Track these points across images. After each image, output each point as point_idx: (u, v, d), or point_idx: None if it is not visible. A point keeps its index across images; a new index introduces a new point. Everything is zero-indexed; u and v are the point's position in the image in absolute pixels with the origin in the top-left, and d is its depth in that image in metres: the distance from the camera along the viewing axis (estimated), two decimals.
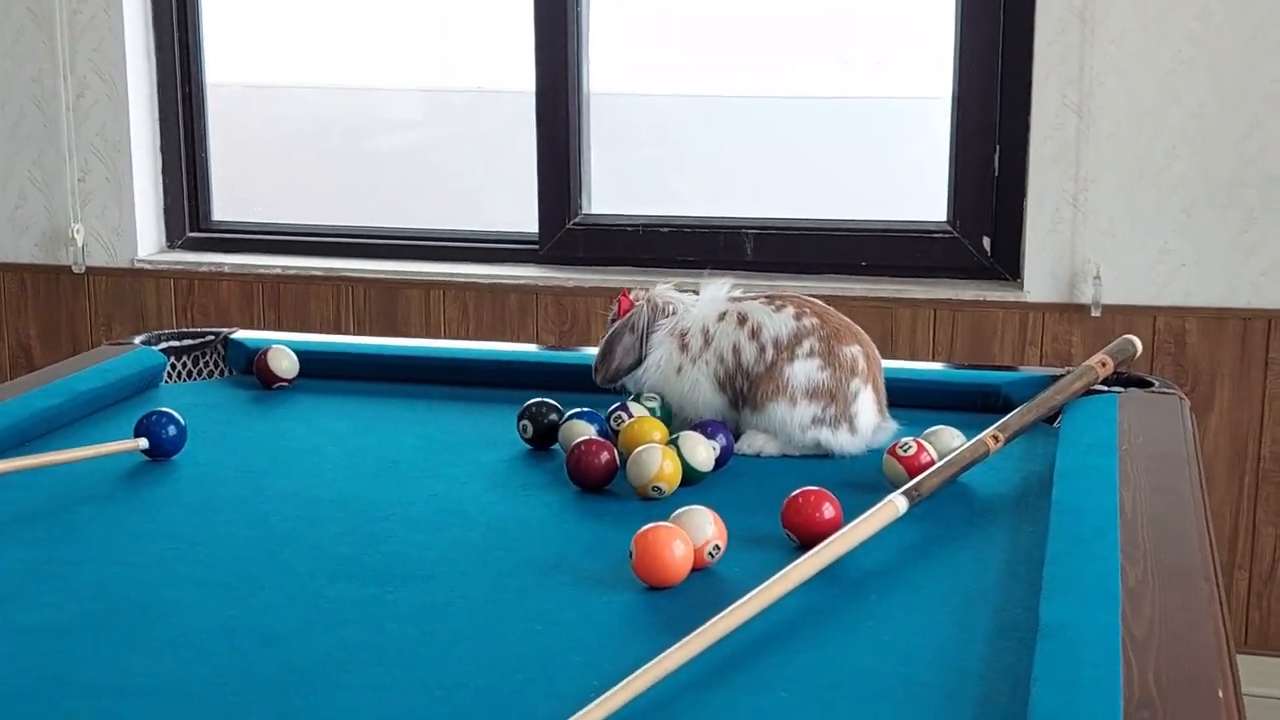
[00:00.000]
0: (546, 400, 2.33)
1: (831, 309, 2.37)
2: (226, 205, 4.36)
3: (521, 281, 3.99)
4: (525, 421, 2.31)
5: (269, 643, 1.63)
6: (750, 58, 4.15)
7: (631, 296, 2.39)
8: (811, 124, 4.22)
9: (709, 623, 1.58)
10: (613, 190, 4.14)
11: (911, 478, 2.05)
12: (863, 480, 2.16)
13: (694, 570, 1.80)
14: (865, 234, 3.97)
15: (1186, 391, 2.76)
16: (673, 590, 1.77)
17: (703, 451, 2.14)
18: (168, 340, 2.72)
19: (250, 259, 4.18)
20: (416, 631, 1.66)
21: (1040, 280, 3.76)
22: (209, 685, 1.53)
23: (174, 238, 4.30)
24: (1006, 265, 3.86)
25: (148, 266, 4.19)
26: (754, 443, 2.30)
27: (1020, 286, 3.79)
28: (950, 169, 3.91)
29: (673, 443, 2.14)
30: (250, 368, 2.64)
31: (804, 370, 2.28)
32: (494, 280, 4.01)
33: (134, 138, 4.15)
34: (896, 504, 1.92)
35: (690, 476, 2.13)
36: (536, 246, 4.11)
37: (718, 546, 1.83)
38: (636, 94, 4.22)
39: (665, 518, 1.83)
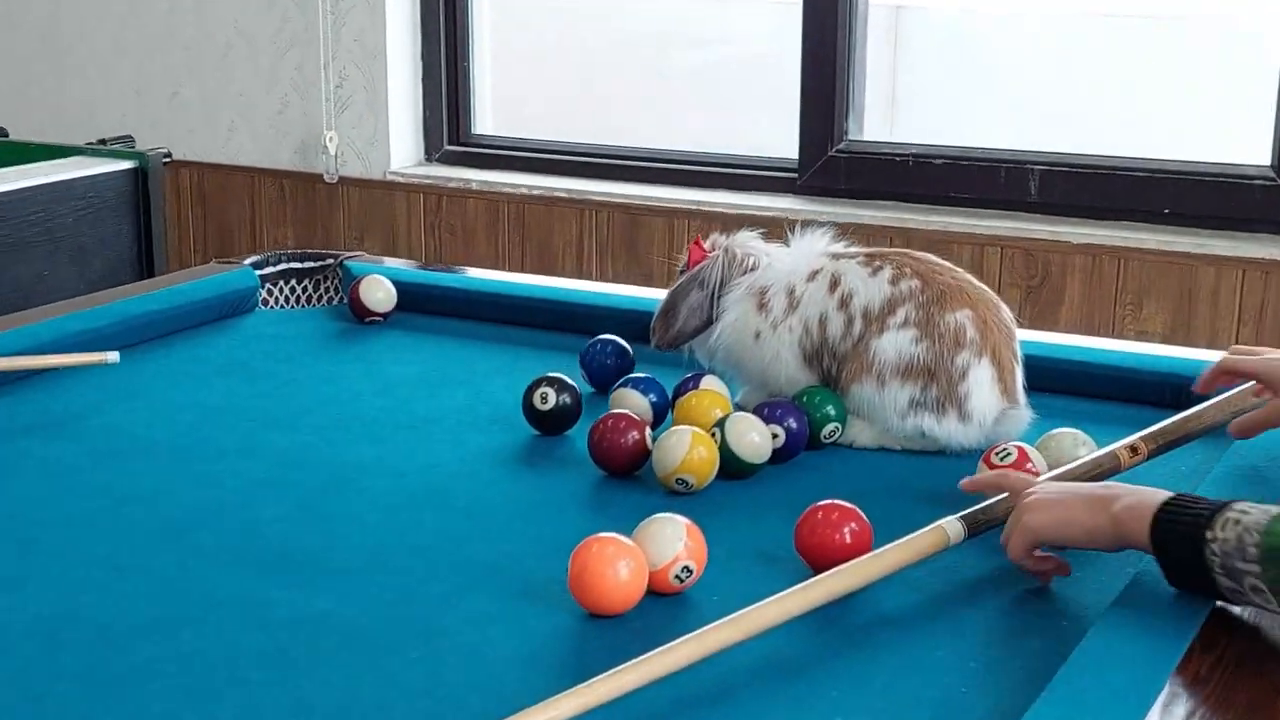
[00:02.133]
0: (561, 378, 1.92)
1: (947, 266, 1.92)
2: (503, 119, 4.14)
3: (773, 213, 3.60)
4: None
5: (93, 642, 1.38)
6: None
7: (706, 245, 2.00)
8: (1119, 46, 3.66)
9: (608, 673, 1.25)
10: (883, 115, 3.71)
11: None
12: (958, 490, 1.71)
13: (658, 595, 1.46)
14: (1170, 176, 3.42)
15: None
16: (616, 620, 1.43)
17: (755, 439, 1.76)
18: (288, 261, 2.50)
19: (499, 176, 3.95)
20: (273, 644, 1.38)
21: None
22: None
23: (432, 150, 4.11)
24: None
25: (399, 179, 4.02)
26: (849, 431, 1.89)
27: None
28: (1278, 104, 3.30)
29: (719, 426, 1.77)
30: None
31: (894, 343, 1.85)
32: (742, 211, 3.64)
33: (390, 45, 3.97)
34: (947, 531, 1.52)
35: (737, 469, 1.76)
36: (795, 175, 3.72)
37: (688, 569, 1.47)
38: (919, 7, 3.75)
39: (695, 514, 1.52)
